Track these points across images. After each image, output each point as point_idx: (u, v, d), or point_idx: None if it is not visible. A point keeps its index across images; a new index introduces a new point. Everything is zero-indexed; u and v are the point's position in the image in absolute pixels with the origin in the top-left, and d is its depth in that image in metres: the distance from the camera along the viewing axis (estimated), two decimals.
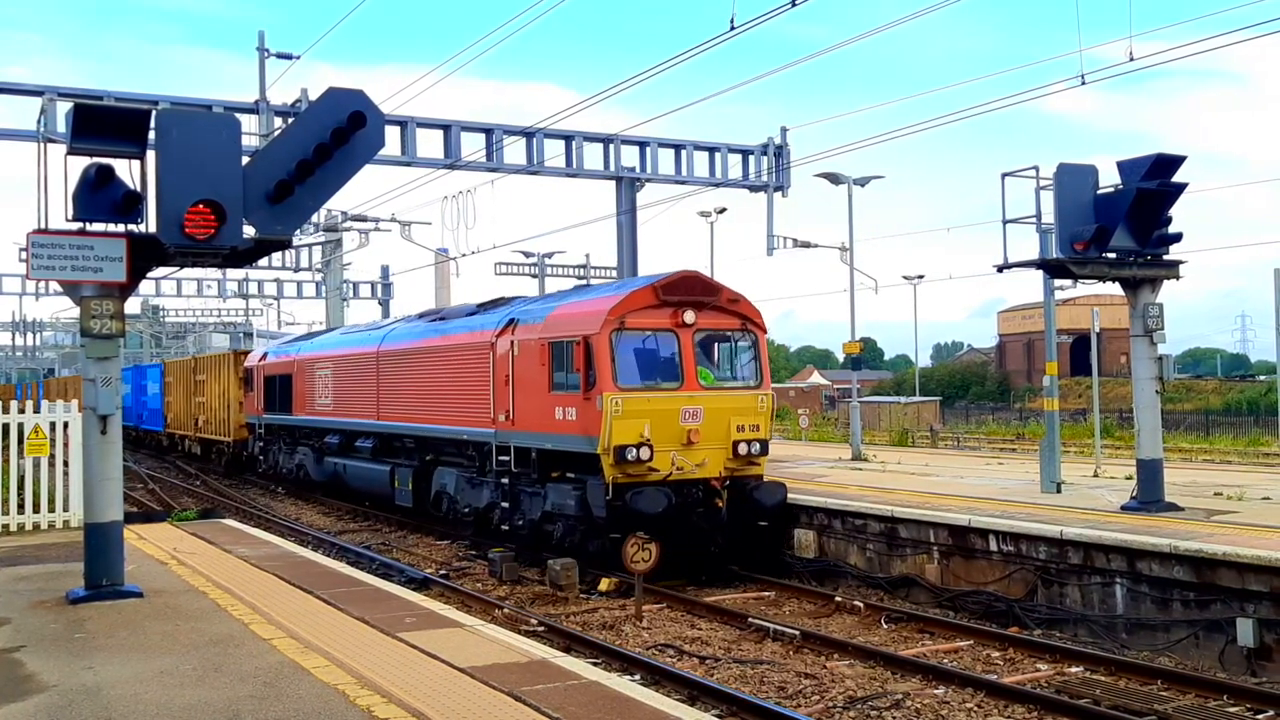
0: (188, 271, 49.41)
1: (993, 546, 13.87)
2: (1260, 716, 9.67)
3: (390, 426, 22.22)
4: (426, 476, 20.99)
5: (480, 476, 18.77)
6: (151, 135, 10.46)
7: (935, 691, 10.22)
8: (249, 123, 24.12)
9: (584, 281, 42.62)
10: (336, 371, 25.25)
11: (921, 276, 66.88)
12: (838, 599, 14.23)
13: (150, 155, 10.40)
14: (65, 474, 16.26)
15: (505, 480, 17.59)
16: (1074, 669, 11.18)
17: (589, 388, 15.31)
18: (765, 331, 16.97)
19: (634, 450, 15.02)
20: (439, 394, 19.93)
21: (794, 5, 14.97)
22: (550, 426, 16.14)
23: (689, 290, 16.07)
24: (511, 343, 17.30)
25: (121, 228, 10.50)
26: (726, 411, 15.97)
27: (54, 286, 11.34)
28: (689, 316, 15.93)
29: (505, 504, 17.69)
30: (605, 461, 15.05)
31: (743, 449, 15.97)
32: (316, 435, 26.67)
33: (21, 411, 16.23)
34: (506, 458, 17.32)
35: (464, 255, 34.19)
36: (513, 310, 18.31)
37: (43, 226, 10.60)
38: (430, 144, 26.89)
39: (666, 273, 16.38)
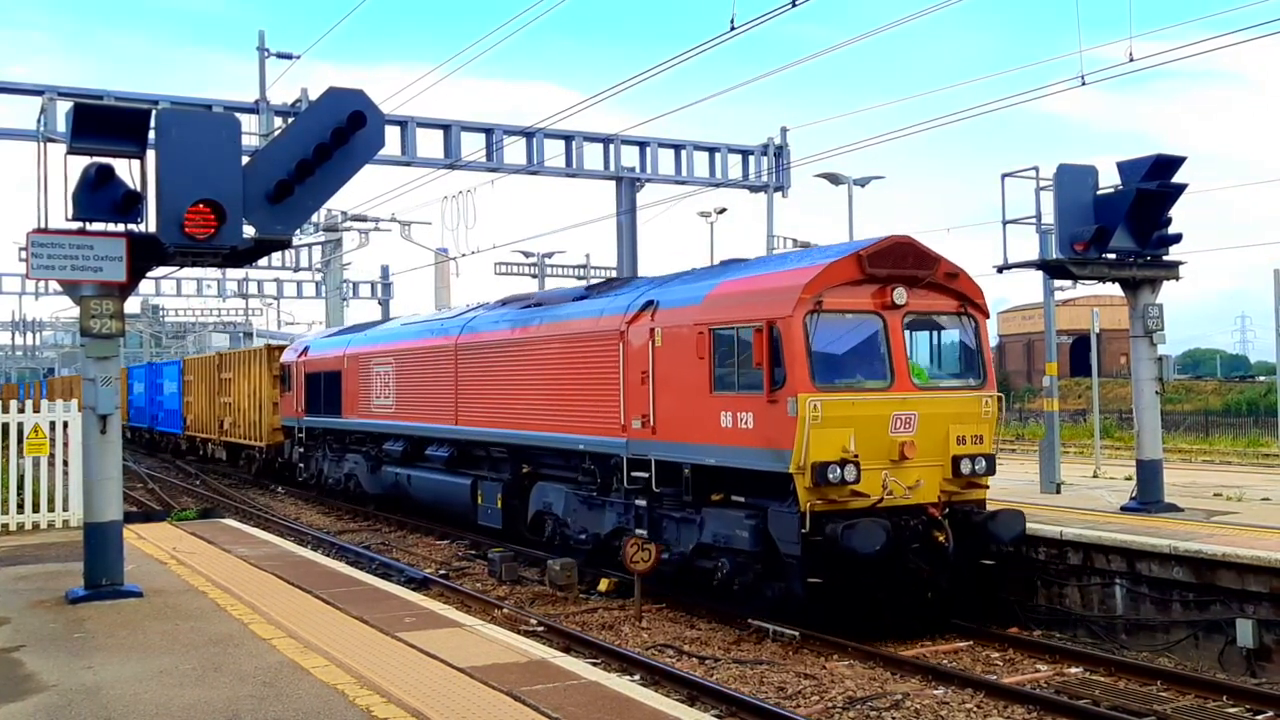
0: (187, 271, 49.44)
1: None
2: (1260, 717, 9.67)
3: (473, 432, 18.64)
4: (521, 493, 17.60)
5: (601, 496, 15.32)
6: (151, 135, 10.47)
7: (935, 692, 10.22)
8: (249, 122, 24.14)
9: (583, 281, 42.61)
10: (400, 367, 21.55)
11: None
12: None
13: (150, 155, 10.41)
14: (65, 473, 16.27)
15: (640, 502, 14.28)
16: (1073, 669, 11.18)
17: (775, 387, 12.06)
18: (987, 315, 13.59)
19: (837, 469, 11.70)
20: (543, 394, 16.45)
21: (794, 5, 14.98)
22: (712, 436, 12.87)
23: (900, 261, 12.66)
24: (651, 331, 13.93)
25: (121, 227, 10.51)
26: (945, 418, 12.66)
27: (54, 286, 11.35)
28: (899, 295, 12.57)
29: (640, 531, 14.28)
30: (799, 483, 11.76)
31: (965, 466, 12.63)
32: (372, 441, 23.22)
33: (21, 411, 16.23)
34: (643, 474, 14.00)
35: (464, 255, 34.24)
36: (648, 290, 14.80)
37: (43, 226, 10.61)
38: (430, 144, 26.93)
39: (870, 239, 12.99)
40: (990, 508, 13.04)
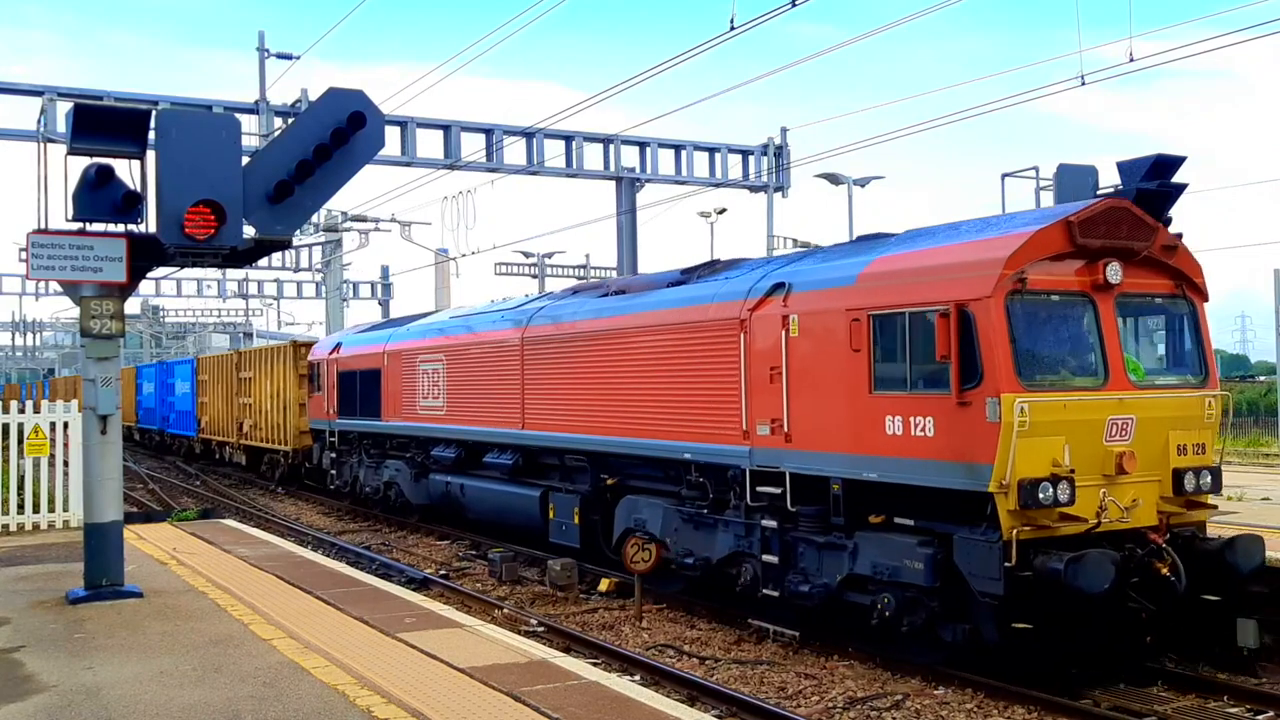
0: (187, 271, 49.46)
1: None
2: (1260, 717, 9.66)
3: (543, 438, 16.18)
4: (604, 507, 15.31)
5: (713, 514, 13.01)
6: (151, 135, 10.47)
7: (936, 692, 10.21)
8: (249, 123, 24.17)
9: (583, 279, 42.62)
10: (453, 364, 19.14)
11: None
12: None
13: (150, 155, 10.41)
14: (65, 474, 16.27)
15: (768, 522, 11.99)
16: (1073, 670, 11.16)
17: (966, 384, 9.79)
18: (1207, 298, 11.23)
19: (1049, 487, 9.53)
20: (633, 394, 14.15)
21: (794, 5, 14.98)
22: (872, 445, 10.69)
23: (1113, 230, 10.31)
24: (784, 319, 11.64)
25: (121, 228, 10.52)
26: (1164, 423, 10.47)
27: (54, 286, 11.36)
28: (1113, 273, 10.26)
29: (767, 557, 11.98)
30: (1001, 505, 9.51)
31: (1188, 482, 10.46)
32: (418, 446, 21.01)
33: (21, 411, 16.24)
34: (772, 489, 11.80)
35: (464, 255, 34.31)
36: (771, 271, 12.53)
37: (43, 226, 10.62)
38: (430, 144, 26.98)
39: (1079, 203, 10.80)
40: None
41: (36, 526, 16.10)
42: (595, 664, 10.08)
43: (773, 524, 11.92)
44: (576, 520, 15.57)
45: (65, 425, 16.42)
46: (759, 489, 11.99)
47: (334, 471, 25.19)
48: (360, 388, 22.97)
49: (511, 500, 17.36)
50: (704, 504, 13.19)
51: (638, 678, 10.42)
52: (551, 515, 16.23)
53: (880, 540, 10.75)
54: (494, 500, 17.96)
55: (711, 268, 14.22)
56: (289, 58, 27.28)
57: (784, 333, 11.71)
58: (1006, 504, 9.49)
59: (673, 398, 13.44)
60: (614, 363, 14.59)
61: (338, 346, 24.85)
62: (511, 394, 17.01)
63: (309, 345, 28.84)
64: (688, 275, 14.34)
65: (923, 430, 10.23)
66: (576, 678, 8.09)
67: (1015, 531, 9.46)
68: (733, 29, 16.30)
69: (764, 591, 12.08)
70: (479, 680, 7.88)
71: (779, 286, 12.03)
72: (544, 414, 16.20)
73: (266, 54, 26.96)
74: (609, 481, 15.14)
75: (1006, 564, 9.45)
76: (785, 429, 11.64)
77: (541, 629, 12.71)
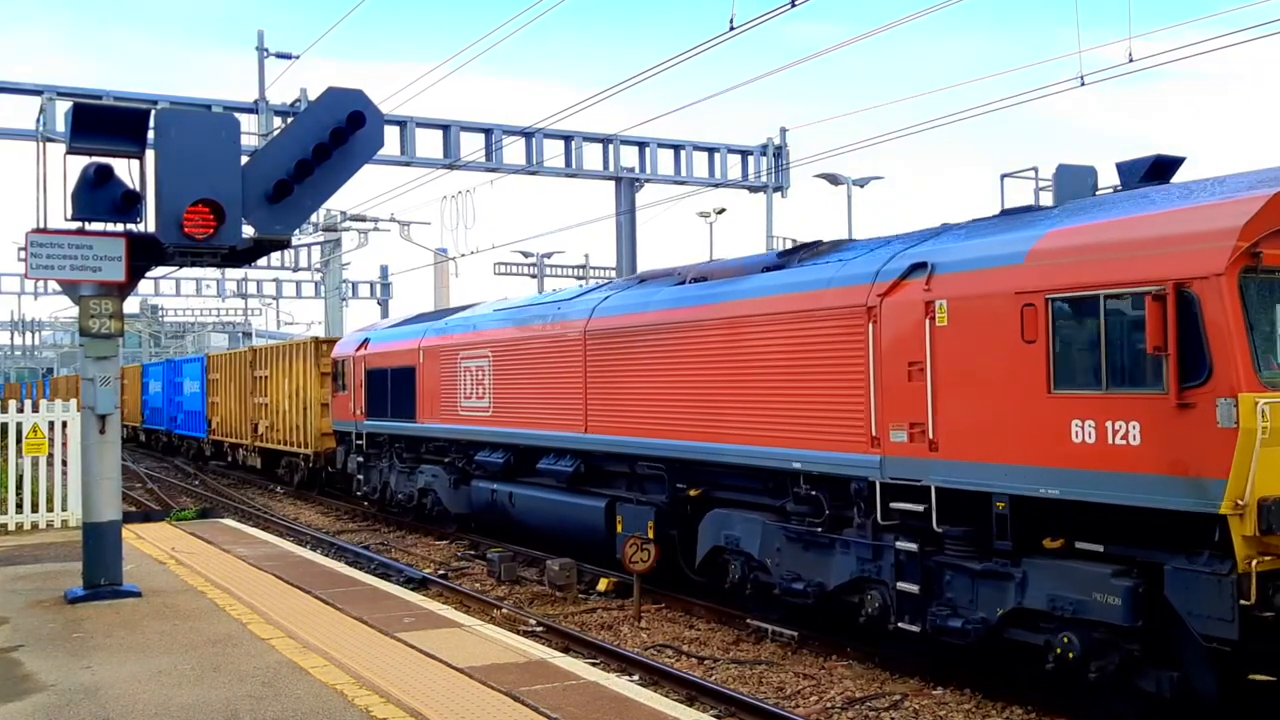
0: (186, 271, 49.50)
1: None
2: None
3: (611, 442, 14.42)
4: (684, 521, 13.60)
5: (829, 533, 11.14)
6: (151, 135, 10.48)
7: (934, 692, 10.22)
8: (248, 122, 24.18)
9: (583, 280, 42.69)
10: (500, 361, 17.27)
11: None
12: None
13: (149, 155, 10.42)
14: (64, 473, 16.27)
15: (905, 544, 10.14)
16: None
17: (1188, 382, 8.11)
18: None
19: None
20: (726, 394, 12.34)
21: (793, 5, 14.97)
22: (1052, 455, 8.93)
23: None
24: (928, 305, 9.88)
25: (120, 227, 10.52)
26: None
27: (53, 286, 11.38)
28: None
29: (904, 586, 10.13)
30: (1236, 529, 7.89)
31: None
32: (459, 451, 19.21)
33: (20, 411, 16.24)
34: (913, 506, 9.97)
35: (463, 255, 34.32)
36: (904, 249, 10.61)
37: (42, 226, 10.62)
38: (430, 144, 27.00)
39: None
40: None
41: (35, 526, 16.11)
42: (594, 664, 10.08)
43: (911, 546, 10.07)
44: (651, 535, 13.83)
45: (64, 424, 16.42)
46: (892, 505, 10.21)
47: (360, 477, 23.39)
48: (392, 387, 21.21)
49: (571, 511, 15.59)
50: (817, 521, 11.29)
51: (636, 678, 10.42)
52: (620, 529, 14.47)
53: (1060, 569, 9.00)
54: (550, 511, 16.11)
55: (814, 250, 12.56)
56: (288, 57, 27.31)
57: (928, 321, 9.92)
58: (1242, 528, 7.76)
59: (776, 398, 11.68)
60: (699, 358, 12.82)
61: (365, 343, 22.97)
62: (572, 394, 15.23)
63: (332, 342, 27.17)
64: (786, 258, 12.67)
65: (1124, 438, 8.50)
66: (575, 678, 8.09)
67: (1254, 562, 7.75)
68: (732, 29, 16.29)
69: (899, 625, 10.23)
70: (478, 680, 7.88)
71: (918, 268, 10.19)
72: (612, 416, 14.44)
73: (266, 53, 26.99)
74: (692, 493, 13.38)
75: (1243, 602, 7.78)
76: (929, 435, 9.82)
77: (540, 629, 12.71)
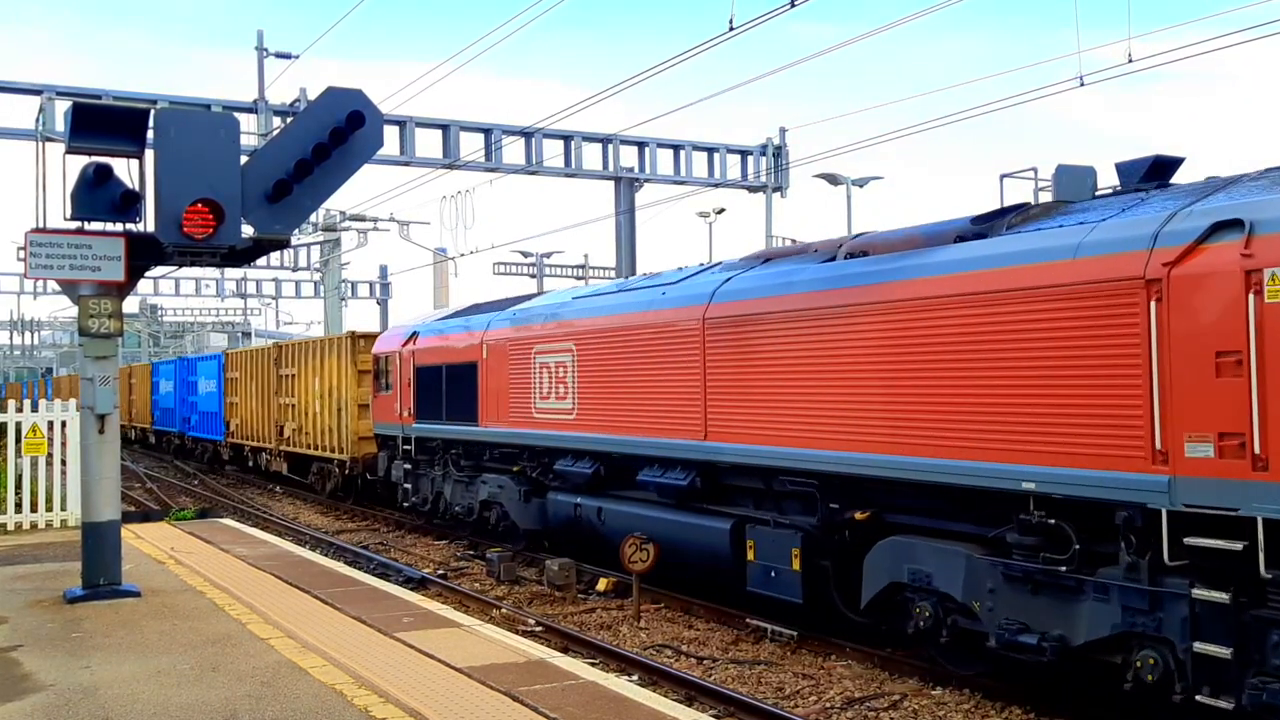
0: (186, 271, 49.52)
1: None
2: None
3: (740, 452, 12.04)
4: (841, 550, 11.21)
5: (1076, 574, 8.77)
6: (150, 134, 10.48)
7: (933, 692, 10.22)
8: (248, 122, 24.18)
9: (582, 281, 42.71)
10: (588, 356, 14.92)
11: None
12: None
13: (149, 154, 10.43)
14: (63, 473, 16.28)
15: (1202, 593, 7.83)
16: None
17: None
18: None
19: None
20: (915, 392, 9.89)
21: (793, 5, 14.98)
22: None
23: None
24: (1249, 276, 7.63)
25: (120, 227, 10.53)
26: None
27: (52, 285, 11.39)
28: None
29: (1204, 648, 7.79)
30: None
31: None
32: (531, 459, 16.85)
33: (20, 410, 16.24)
34: (1221, 544, 7.65)
35: (462, 255, 34.33)
36: (1204, 207, 8.22)
37: (41, 225, 10.63)
38: (429, 143, 27.01)
39: None
40: None
41: (34, 525, 16.11)
42: (593, 664, 10.08)
43: (1219, 596, 7.71)
44: (797, 566, 11.41)
45: (63, 424, 16.42)
46: (1186, 540, 7.89)
47: (408, 486, 20.97)
48: (447, 386, 18.91)
49: (684, 532, 13.20)
50: (1057, 558, 8.87)
51: (635, 677, 10.42)
52: (751, 556, 12.13)
53: None
54: (653, 531, 13.64)
55: (1023, 213, 10.06)
56: (288, 57, 27.34)
57: (1250, 297, 7.63)
58: None
59: (991, 400, 9.28)
60: (869, 350, 10.44)
61: (413, 337, 20.70)
62: (685, 394, 12.92)
63: (371, 336, 24.80)
64: (986, 224, 10.12)
65: None
66: (574, 677, 8.09)
67: None
68: (732, 29, 16.29)
69: (1197, 698, 7.88)
70: (477, 680, 7.88)
71: (1226, 227, 7.91)
72: (741, 420, 12.08)
73: (265, 53, 27.00)
74: (857, 516, 10.87)
75: None
76: (1254, 449, 7.52)
77: (539, 629, 12.71)
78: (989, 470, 9.20)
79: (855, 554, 10.97)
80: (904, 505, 10.59)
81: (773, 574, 11.86)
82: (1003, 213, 10.33)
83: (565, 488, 15.82)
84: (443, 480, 19.72)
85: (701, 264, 14.75)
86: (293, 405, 28.27)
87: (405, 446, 20.87)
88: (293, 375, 28.46)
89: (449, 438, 19.09)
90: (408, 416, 20.48)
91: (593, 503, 15.05)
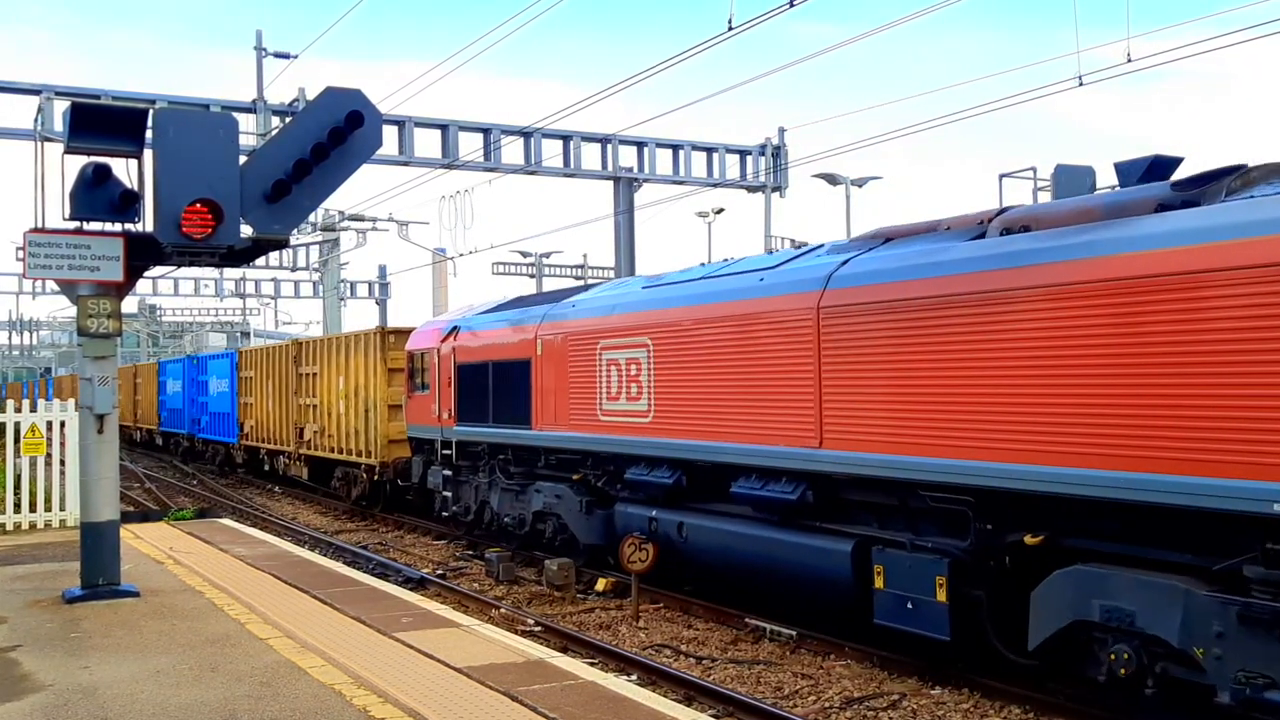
0: (185, 270, 49.48)
1: None
2: None
3: (872, 462, 10.24)
4: (999, 578, 9.50)
5: None
6: (149, 134, 10.48)
7: (932, 692, 10.22)
8: (246, 122, 24.17)
9: (582, 280, 42.75)
10: (667, 350, 13.18)
11: None
12: None
13: (148, 154, 10.42)
14: (62, 473, 16.28)
15: None
16: None
17: None
18: None
19: None
20: (1115, 392, 8.24)
21: (791, 5, 14.98)
22: None
23: None
24: None
25: (118, 226, 10.52)
26: None
27: (51, 285, 11.38)
28: None
29: None
30: None
31: None
32: (595, 465, 15.08)
33: (19, 410, 16.24)
34: None
35: (461, 255, 34.33)
36: None
37: (40, 225, 10.63)
38: (428, 143, 27.01)
39: None
40: None
41: (33, 526, 16.11)
42: (592, 664, 10.08)
43: None
44: (943, 596, 9.66)
45: (62, 424, 16.42)
46: None
47: (447, 494, 19.04)
48: (495, 385, 17.16)
49: (790, 554, 11.41)
50: None
51: (634, 677, 10.42)
52: (879, 583, 10.33)
53: None
54: (750, 550, 11.96)
55: (1243, 175, 8.39)
56: (287, 57, 27.34)
57: None
58: None
59: (1232, 401, 7.51)
60: (1048, 343, 8.76)
61: (454, 331, 18.92)
62: (794, 393, 11.12)
63: (402, 332, 22.85)
64: (1195, 192, 8.53)
65: None
66: (573, 677, 8.09)
67: None
68: (731, 29, 16.29)
69: None
70: (476, 680, 7.88)
71: None
72: (867, 424, 10.30)
73: (264, 53, 27.00)
74: (1027, 540, 9.02)
75: None
76: None
77: (539, 629, 12.71)
78: (1226, 488, 7.45)
79: (1020, 584, 9.21)
80: (1090, 529, 8.72)
81: (909, 605, 10.05)
82: (1208, 178, 8.75)
83: (637, 499, 14.06)
84: (488, 489, 17.87)
85: (796, 247, 12.86)
86: (314, 406, 26.65)
87: (444, 451, 18.98)
88: (314, 374, 26.82)
89: (497, 442, 17.27)
90: (447, 418, 18.71)
91: (672, 516, 13.29)
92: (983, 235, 9.93)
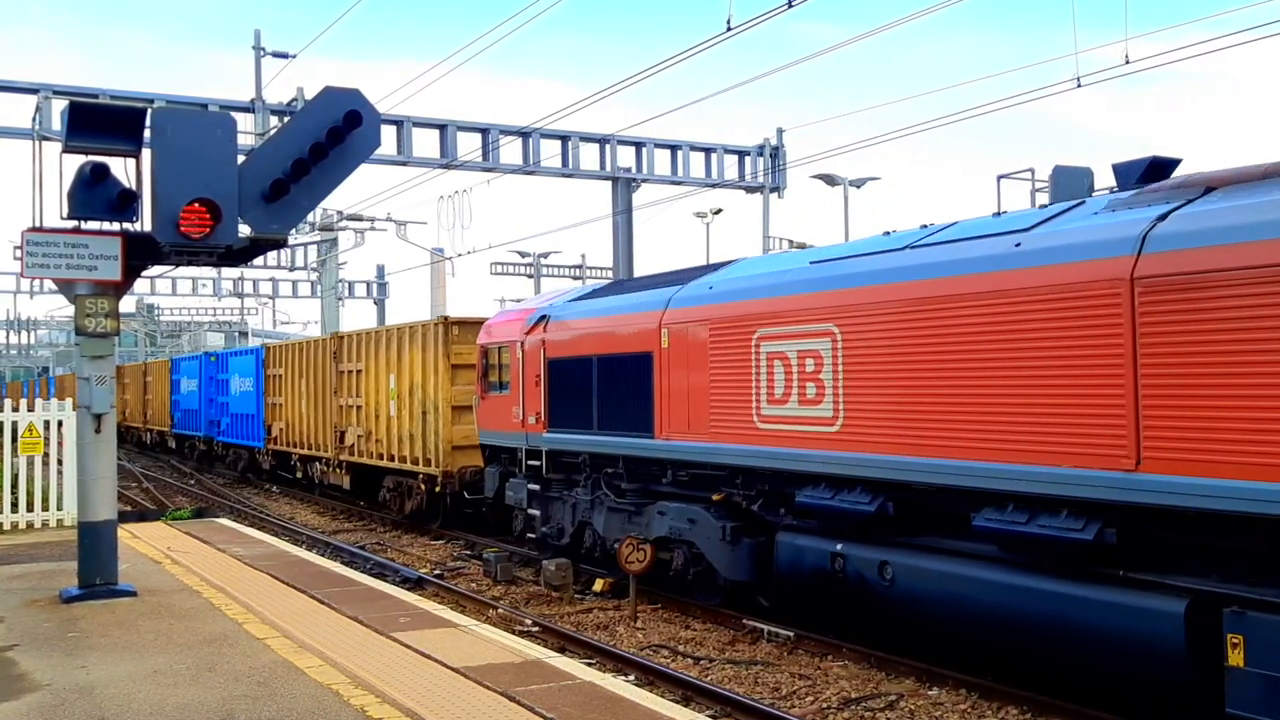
0: (183, 270, 49.46)
1: None
2: None
3: (1230, 491, 7.25)
4: None
5: None
6: (147, 134, 10.47)
7: (929, 692, 10.22)
8: (245, 121, 24.17)
9: (580, 282, 42.78)
10: (860, 340, 10.41)
11: None
12: None
13: (146, 154, 10.41)
14: (59, 473, 16.26)
15: None
16: None
17: None
18: None
19: None
20: None
21: (790, 5, 14.98)
22: None
23: None
24: None
25: (117, 226, 10.51)
26: None
27: (49, 285, 11.37)
28: None
29: None
30: None
31: None
32: (748, 484, 12.28)
33: (16, 410, 16.22)
34: None
35: (459, 255, 34.34)
36: None
37: (38, 224, 10.62)
38: (426, 143, 27.01)
39: None
40: None
41: (30, 525, 16.10)
42: (590, 664, 10.08)
43: None
44: None
45: (59, 424, 16.41)
46: None
47: (535, 512, 16.21)
48: (600, 383, 14.41)
49: (1076, 613, 8.54)
50: None
51: (632, 678, 10.42)
52: (1237, 659, 7.34)
53: None
54: (1004, 605, 9.17)
55: None
56: (285, 56, 27.35)
57: None
58: None
59: None
60: None
61: (542, 320, 16.00)
62: (1084, 396, 8.31)
63: (468, 323, 20.18)
64: None
65: None
66: (571, 678, 8.08)
67: None
68: (729, 29, 16.29)
69: None
70: (473, 680, 7.88)
71: None
72: (1225, 439, 7.34)
73: (263, 52, 27.00)
74: None
75: None
76: None
77: (536, 629, 12.71)
78: None
79: None
80: None
81: None
82: None
83: (813, 528, 11.36)
84: (590, 508, 15.11)
85: (1052, 204, 10.22)
86: (358, 407, 23.79)
87: (530, 462, 16.17)
88: (358, 371, 23.87)
89: (603, 452, 14.40)
90: (535, 423, 15.92)
91: (870, 554, 10.47)
92: None
